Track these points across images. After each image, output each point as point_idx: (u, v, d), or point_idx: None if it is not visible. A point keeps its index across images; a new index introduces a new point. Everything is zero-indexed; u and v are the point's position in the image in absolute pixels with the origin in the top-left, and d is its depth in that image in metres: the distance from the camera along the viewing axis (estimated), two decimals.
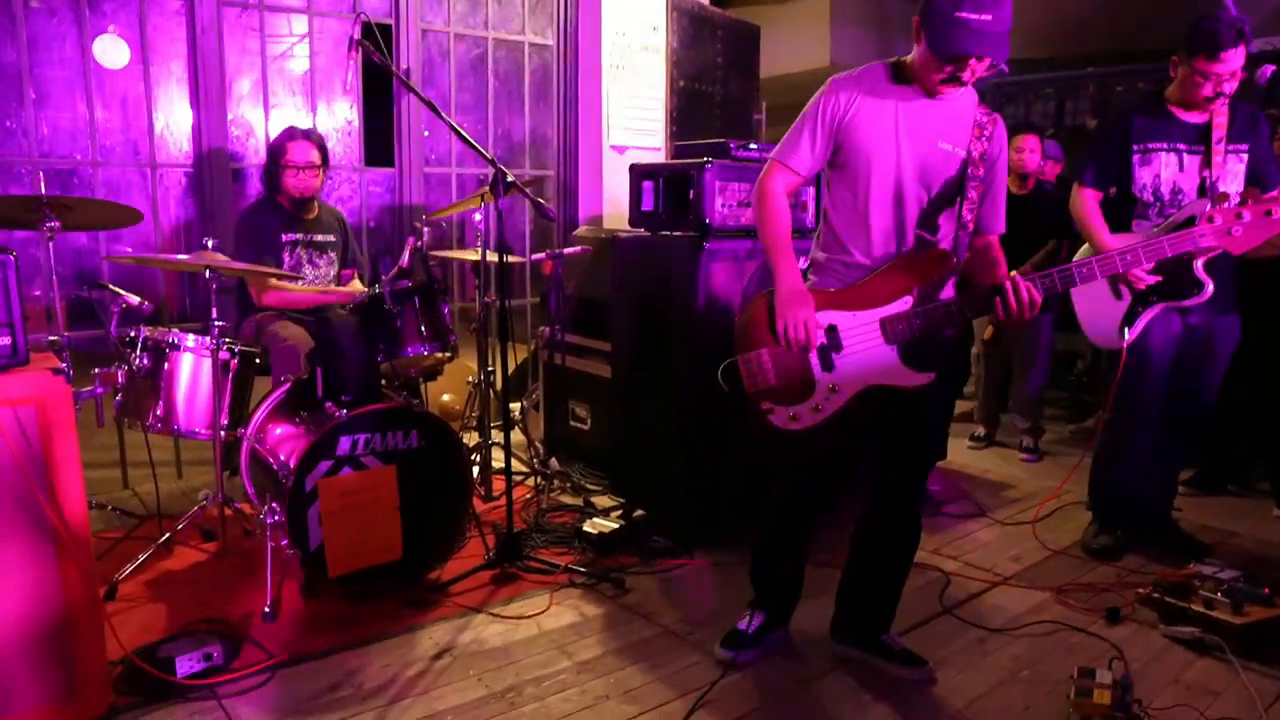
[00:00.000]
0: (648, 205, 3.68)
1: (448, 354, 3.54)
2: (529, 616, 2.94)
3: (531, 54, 5.81)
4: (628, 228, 3.84)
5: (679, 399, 3.49)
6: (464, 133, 3.18)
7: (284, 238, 3.86)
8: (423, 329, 3.34)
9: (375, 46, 3.12)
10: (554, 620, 2.94)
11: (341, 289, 3.96)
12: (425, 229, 3.46)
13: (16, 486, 2.10)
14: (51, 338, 2.93)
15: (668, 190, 3.61)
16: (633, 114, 5.93)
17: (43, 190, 2.76)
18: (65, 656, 2.22)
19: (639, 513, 3.71)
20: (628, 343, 3.79)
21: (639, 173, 3.73)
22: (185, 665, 2.48)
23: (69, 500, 2.17)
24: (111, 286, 3.20)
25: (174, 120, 4.72)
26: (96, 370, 3.11)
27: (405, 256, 3.38)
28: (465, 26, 5.51)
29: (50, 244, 2.81)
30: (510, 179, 3.16)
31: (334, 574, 2.94)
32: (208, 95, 4.56)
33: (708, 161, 3.43)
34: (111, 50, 4.42)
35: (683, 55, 6.15)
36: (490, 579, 3.18)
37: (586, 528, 3.53)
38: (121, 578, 3.04)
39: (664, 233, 3.61)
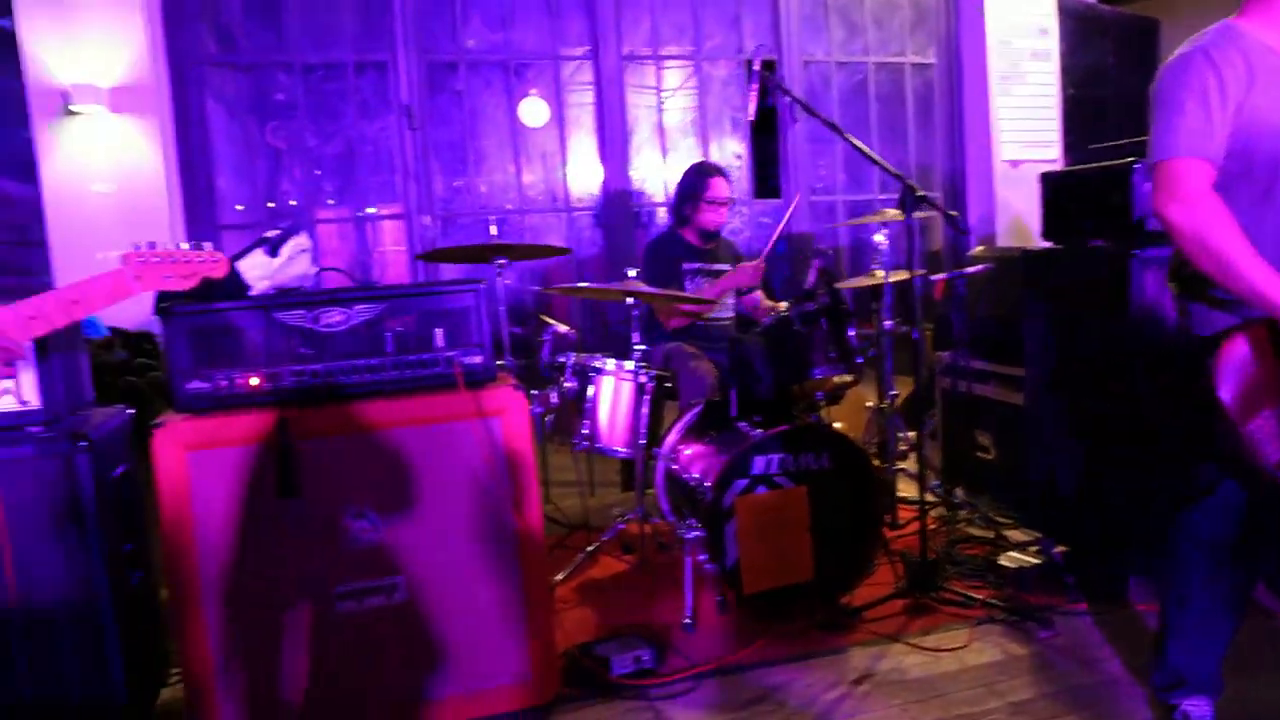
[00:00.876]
0: (1062, 216, 3.40)
1: (853, 377, 3.49)
2: (948, 650, 2.78)
3: (913, 74, 5.68)
4: (1029, 244, 3.57)
5: (1105, 427, 3.16)
6: (872, 153, 3.14)
7: (685, 266, 4.05)
8: (830, 351, 3.32)
9: (774, 79, 3.19)
10: (976, 656, 2.75)
11: (724, 285, 4.06)
12: (829, 251, 3.45)
13: (490, 488, 2.34)
14: (500, 361, 3.28)
15: (1086, 198, 3.31)
16: (1024, 125, 5.58)
17: (493, 234, 3.10)
18: (523, 645, 2.43)
19: (1060, 549, 3.39)
20: (1042, 367, 3.50)
21: (1052, 181, 3.46)
22: (619, 665, 2.63)
23: (527, 502, 2.39)
24: (544, 317, 3.52)
25: (583, 168, 5.16)
26: (534, 392, 3.43)
27: (810, 278, 3.39)
28: (845, 54, 5.52)
29: (499, 279, 3.15)
30: (920, 193, 3.07)
31: (749, 591, 2.98)
32: (612, 143, 4.95)
33: (1132, 162, 3.10)
34: (533, 111, 4.96)
35: (1072, 60, 5.69)
36: (903, 608, 3.05)
37: (1002, 561, 3.29)
38: (557, 581, 3.30)
39: (1083, 243, 3.31)
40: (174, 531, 2.15)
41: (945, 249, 5.57)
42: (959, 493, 4.05)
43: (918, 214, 3.23)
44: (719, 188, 3.98)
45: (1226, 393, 1.85)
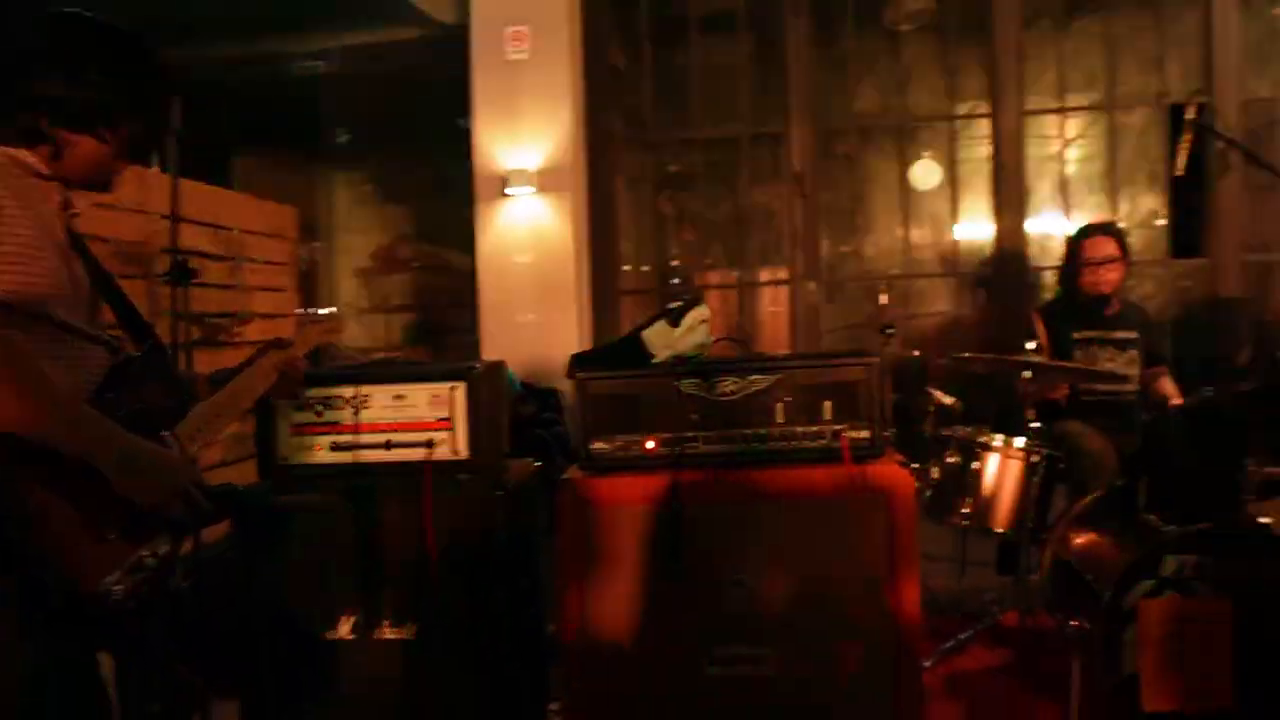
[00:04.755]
0: None
1: None
2: None
3: None
4: None
5: None
6: None
7: (1075, 336, 3.74)
8: (1267, 439, 2.88)
9: (1210, 126, 2.86)
10: None
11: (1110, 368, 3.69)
12: (1264, 321, 3.01)
13: (869, 569, 2.30)
14: (886, 434, 3.22)
15: None
16: None
17: (883, 301, 3.08)
18: None
19: None
20: None
21: None
22: None
23: (906, 587, 2.31)
24: (930, 389, 3.42)
25: (975, 230, 4.97)
26: (914, 465, 3.33)
27: (1246, 354, 2.97)
28: None
29: (886, 350, 3.12)
30: None
31: (1148, 709, 2.63)
32: (1007, 203, 4.71)
33: None
34: (925, 174, 4.87)
35: None
36: None
37: None
38: (924, 667, 3.15)
39: None
40: (566, 574, 2.35)
41: None
42: None
43: None
44: (1097, 247, 3.67)
45: None
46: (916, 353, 5.03)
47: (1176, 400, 3.64)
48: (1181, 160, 2.94)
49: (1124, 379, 3.61)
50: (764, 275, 5.29)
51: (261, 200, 4.38)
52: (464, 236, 4.84)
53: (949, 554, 4.25)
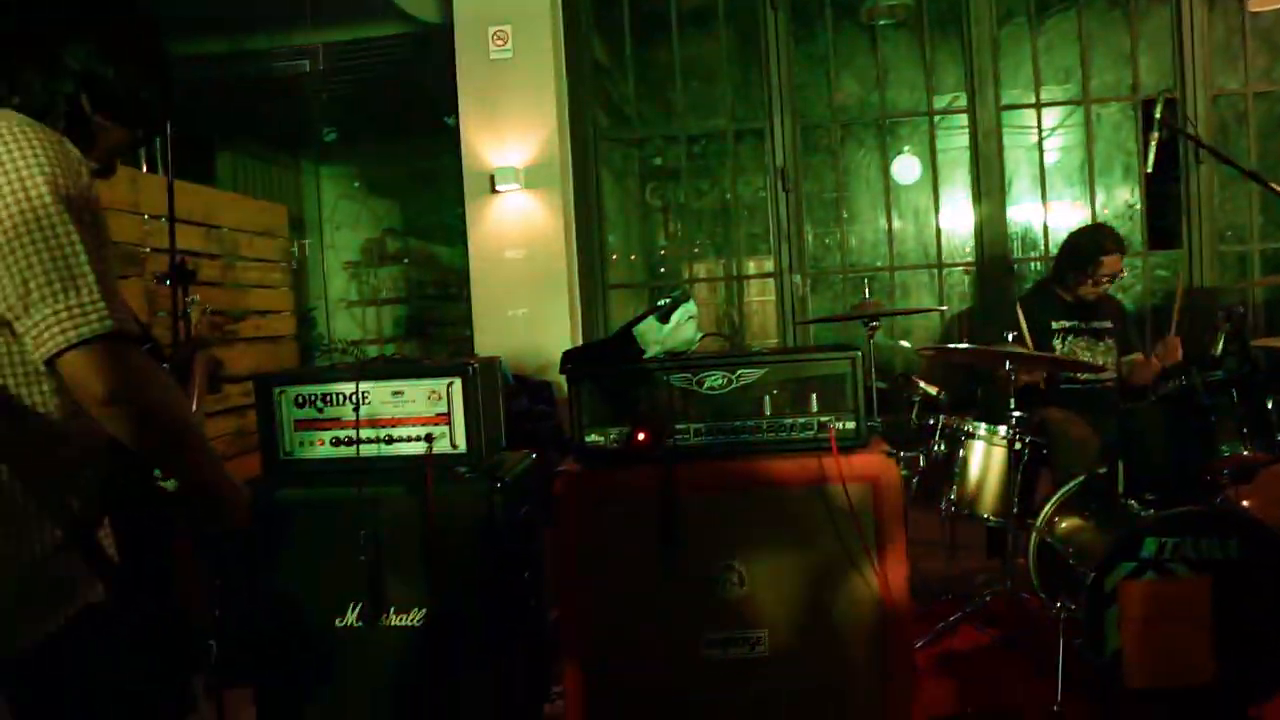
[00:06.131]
0: None
1: (1269, 455, 3.08)
2: None
3: None
4: None
5: None
6: None
7: (1054, 325, 3.82)
8: (1241, 425, 2.97)
9: (1178, 121, 2.94)
10: None
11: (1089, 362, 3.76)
12: (1239, 308, 3.10)
13: (857, 554, 2.37)
14: (871, 424, 3.29)
15: None
16: None
17: (866, 296, 3.15)
18: (881, 714, 2.40)
19: None
20: None
21: None
22: None
23: (894, 571, 2.38)
24: (914, 378, 3.49)
25: (957, 222, 5.05)
26: (901, 454, 3.41)
27: (1219, 344, 3.06)
28: (1268, 82, 4.91)
29: (870, 341, 3.19)
30: None
31: (1130, 686, 2.72)
32: (988, 196, 4.79)
33: None
34: (906, 168, 4.95)
35: None
36: None
37: None
38: (915, 648, 3.23)
39: None
40: (565, 564, 2.42)
41: None
42: None
43: None
44: (1112, 265, 3.70)
45: None
46: (905, 343, 5.13)
47: (1176, 358, 3.69)
48: (1151, 156, 3.02)
49: (1102, 369, 3.70)
50: (751, 267, 5.36)
51: (252, 199, 4.41)
52: (451, 230, 4.89)
53: (939, 540, 4.34)
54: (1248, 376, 3.03)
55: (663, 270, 5.49)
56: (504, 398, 3.82)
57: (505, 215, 4.67)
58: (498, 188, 4.60)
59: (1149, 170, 3.18)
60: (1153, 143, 3.08)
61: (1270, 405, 3.04)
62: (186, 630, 1.51)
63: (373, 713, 2.50)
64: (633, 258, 5.43)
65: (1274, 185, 2.87)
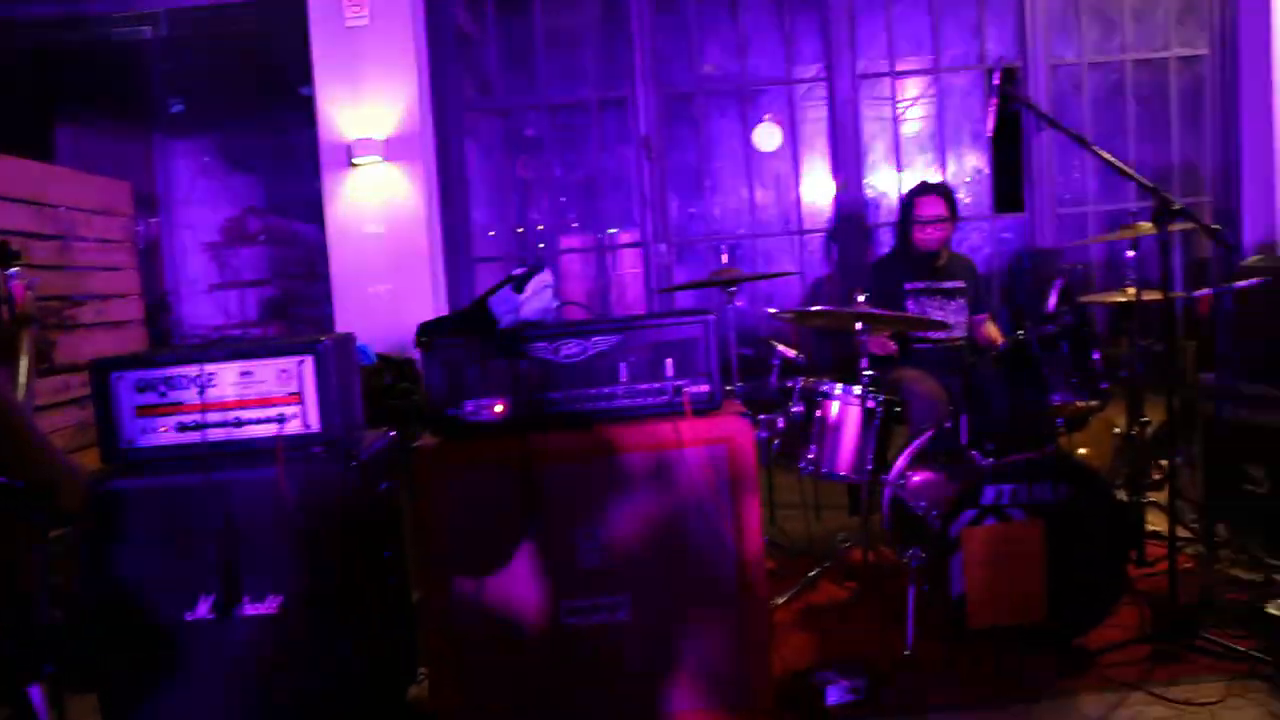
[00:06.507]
0: None
1: (1096, 402, 3.29)
2: (1200, 704, 2.57)
3: (1178, 69, 5.24)
4: None
5: None
6: (1120, 164, 2.97)
7: (907, 286, 3.98)
8: (1071, 375, 3.16)
9: (1014, 90, 3.08)
10: (1233, 714, 2.52)
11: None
12: (1073, 269, 3.29)
13: (714, 514, 2.44)
14: (728, 387, 3.37)
15: None
16: None
17: (724, 261, 3.21)
18: (740, 669, 2.49)
19: None
20: None
21: None
22: (834, 694, 2.64)
23: (749, 529, 2.46)
24: (774, 342, 3.58)
25: (816, 190, 5.18)
26: (761, 416, 3.50)
27: (1052, 299, 3.24)
28: (1099, 54, 5.19)
29: (729, 307, 3.25)
30: (1176, 205, 2.86)
31: (974, 625, 2.89)
32: (845, 163, 4.93)
33: None
34: (767, 136, 5.04)
35: None
36: (1145, 655, 2.84)
37: (1270, 609, 2.99)
38: (777, 605, 3.34)
39: None
40: (426, 541, 2.41)
41: (1216, 258, 5.09)
42: (1221, 530, 3.70)
43: (1175, 226, 3.01)
44: (927, 206, 3.92)
45: None
46: (774, 311, 5.24)
47: (999, 343, 3.92)
48: (990, 123, 3.16)
49: (949, 327, 3.86)
50: (623, 238, 5.38)
51: (90, 174, 4.17)
52: (314, 207, 4.74)
53: (805, 500, 4.47)
54: (1077, 330, 3.22)
55: (541, 246, 5.44)
56: (366, 375, 3.76)
57: (365, 189, 4.56)
58: (356, 160, 4.49)
59: (990, 136, 3.33)
60: (991, 109, 3.23)
61: (1097, 356, 3.25)
62: (26, 634, 1.44)
63: (227, 709, 2.43)
64: (495, 232, 5.37)
65: (1102, 152, 3.04)
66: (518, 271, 2.63)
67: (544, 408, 2.44)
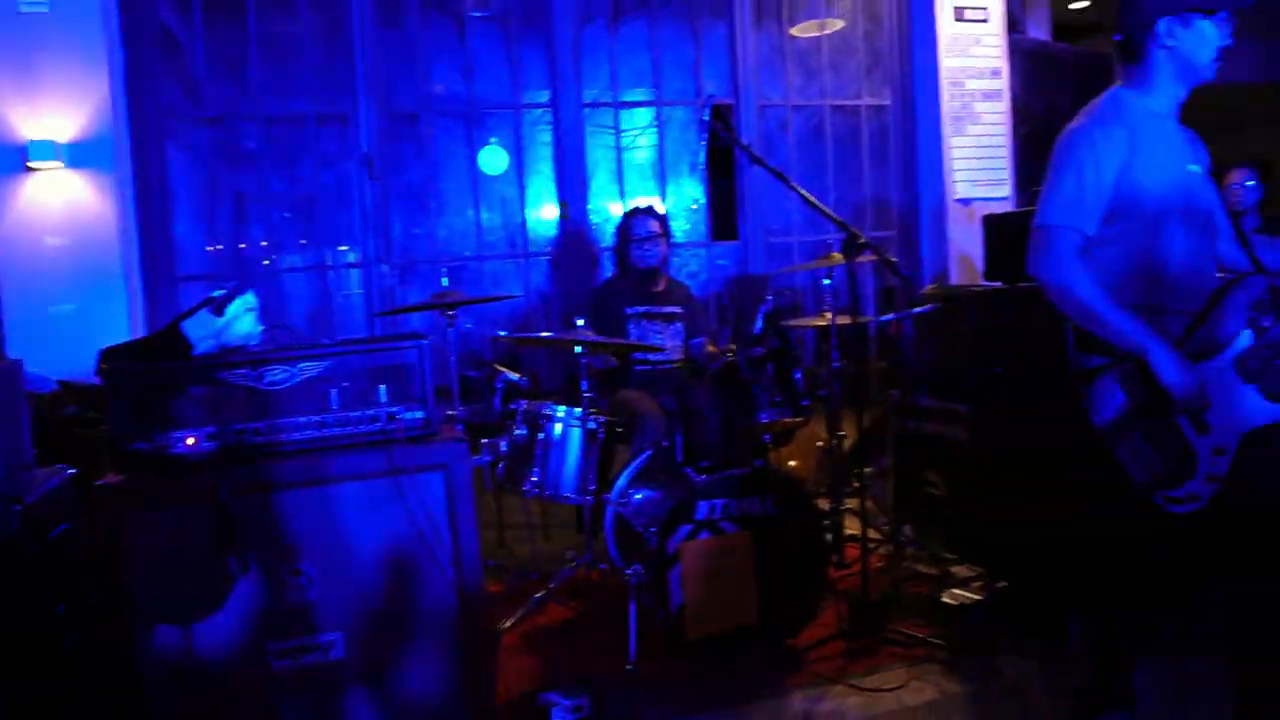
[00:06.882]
0: (1003, 257, 3.50)
1: (800, 419, 3.55)
2: (888, 690, 2.83)
3: (869, 116, 5.80)
4: (979, 283, 3.67)
5: (1047, 465, 3.23)
6: (813, 199, 3.23)
7: (628, 310, 4.12)
8: (775, 395, 3.38)
9: (723, 126, 3.27)
10: (915, 696, 2.80)
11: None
12: (773, 295, 3.53)
13: (430, 542, 2.38)
14: (449, 412, 3.32)
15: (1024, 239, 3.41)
16: (976, 165, 5.71)
17: (444, 284, 3.16)
18: (463, 699, 2.44)
19: (1001, 584, 3.45)
20: (987, 404, 3.58)
21: (993, 223, 3.56)
22: (558, 716, 2.66)
23: (467, 554, 2.42)
24: (497, 365, 3.57)
25: (543, 213, 5.24)
26: (484, 440, 3.47)
27: (758, 323, 3.46)
28: (802, 98, 5.64)
29: (452, 330, 3.21)
30: (862, 239, 3.15)
31: (692, 636, 3.01)
32: (570, 189, 5.03)
33: None
34: (493, 160, 5.04)
35: (1026, 98, 5.85)
36: (845, 649, 3.10)
37: (945, 599, 3.35)
38: (504, 628, 3.32)
39: (1024, 285, 3.40)
40: (112, 589, 2.17)
41: (899, 286, 5.67)
42: (907, 530, 4.11)
43: (861, 258, 3.31)
44: (640, 225, 4.11)
45: (1098, 419, 2.25)
46: (502, 334, 5.22)
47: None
48: (701, 155, 3.35)
49: (663, 350, 4.03)
50: (339, 259, 5.17)
51: None
52: None
53: (533, 522, 4.48)
54: (782, 352, 3.47)
55: (267, 263, 5.10)
56: (45, 405, 3.36)
57: (43, 197, 4.08)
58: (32, 164, 4.01)
59: (699, 168, 3.51)
60: (702, 143, 3.42)
61: (799, 376, 3.51)
62: None
63: None
64: (212, 248, 4.99)
65: (797, 186, 3.28)
66: (218, 293, 2.45)
67: (246, 437, 2.28)
